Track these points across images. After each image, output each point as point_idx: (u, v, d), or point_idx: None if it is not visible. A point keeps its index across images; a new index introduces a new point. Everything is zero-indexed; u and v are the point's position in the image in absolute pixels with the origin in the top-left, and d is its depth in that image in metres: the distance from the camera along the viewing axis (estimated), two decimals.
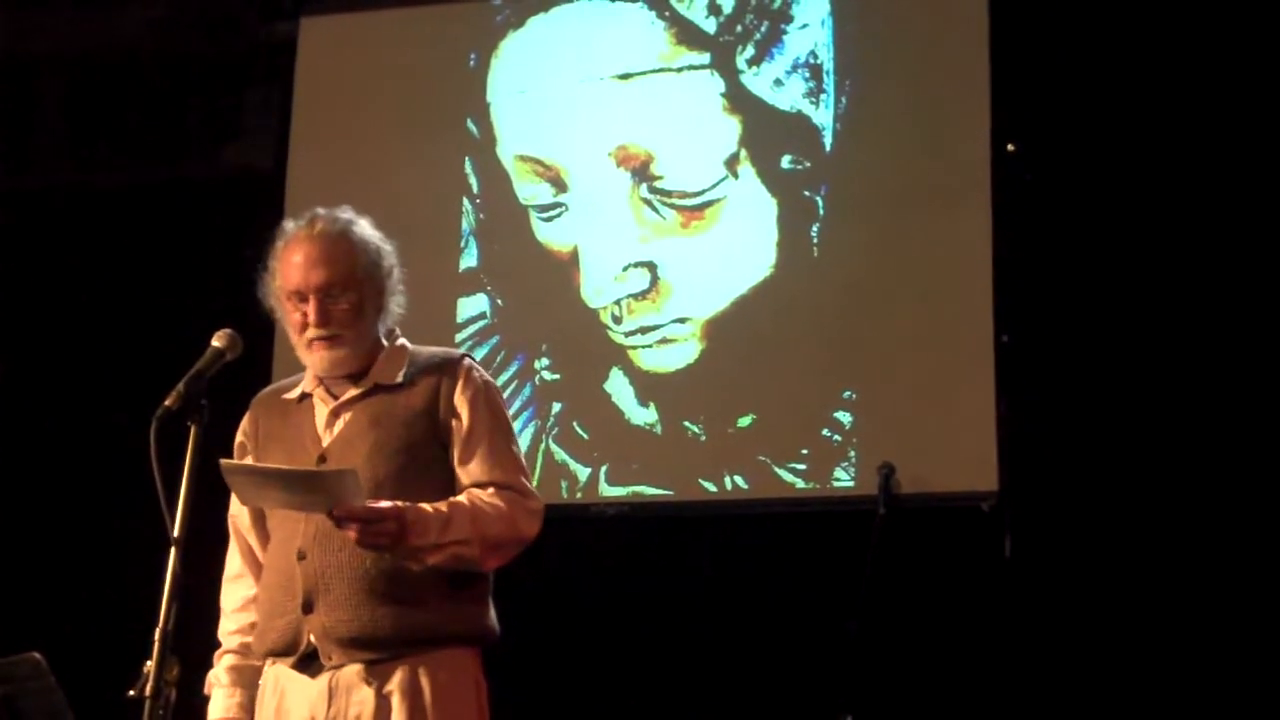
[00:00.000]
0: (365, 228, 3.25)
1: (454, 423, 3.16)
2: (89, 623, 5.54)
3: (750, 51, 5.55)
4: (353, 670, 3.03)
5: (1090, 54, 5.26)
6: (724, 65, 5.56)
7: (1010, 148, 5.27)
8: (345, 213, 3.26)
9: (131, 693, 2.71)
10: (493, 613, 3.19)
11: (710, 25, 5.59)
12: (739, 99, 5.53)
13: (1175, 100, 5.14)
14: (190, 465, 2.83)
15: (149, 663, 2.71)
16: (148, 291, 6.05)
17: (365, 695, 3.02)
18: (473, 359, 3.28)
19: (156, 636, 2.73)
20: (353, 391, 3.19)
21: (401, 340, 3.27)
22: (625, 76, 5.66)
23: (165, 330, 5.53)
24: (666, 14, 5.64)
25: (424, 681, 3.04)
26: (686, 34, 5.62)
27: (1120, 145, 5.19)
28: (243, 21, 6.29)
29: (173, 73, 6.33)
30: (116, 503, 5.33)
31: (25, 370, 6.17)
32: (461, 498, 3.10)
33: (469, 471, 3.14)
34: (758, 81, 5.53)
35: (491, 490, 3.11)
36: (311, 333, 3.15)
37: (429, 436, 3.15)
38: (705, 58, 5.59)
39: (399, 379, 3.19)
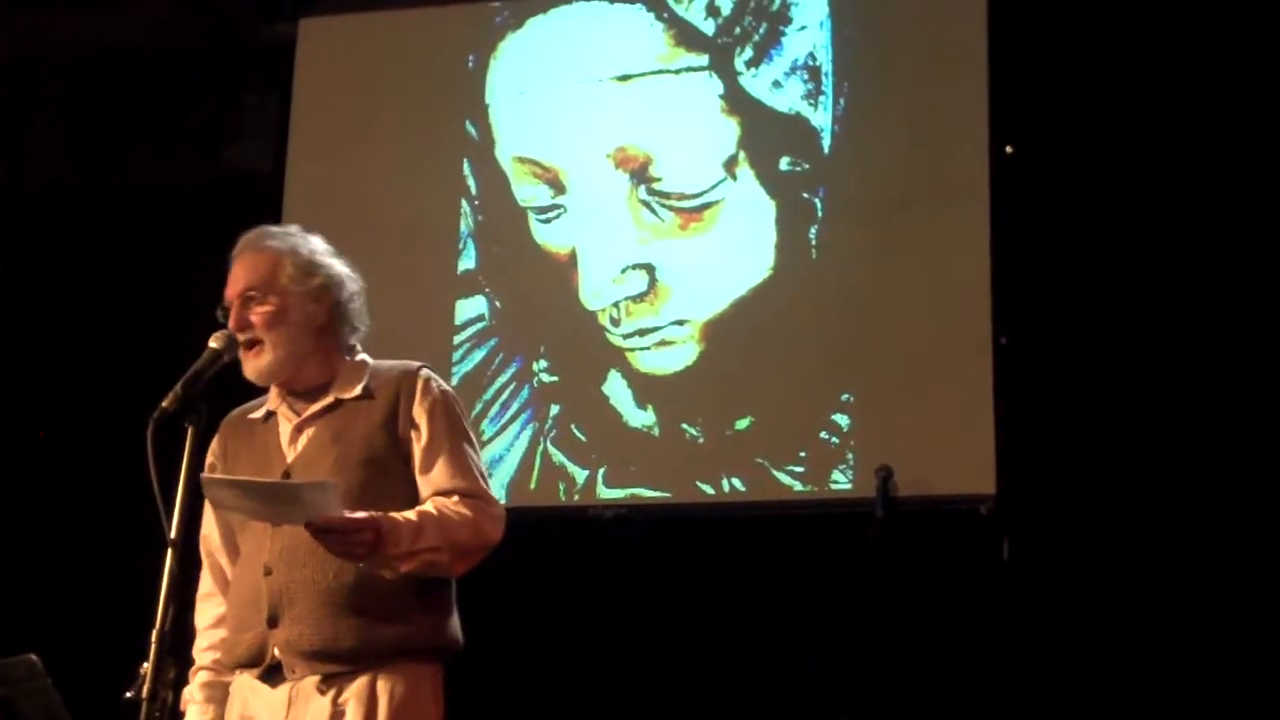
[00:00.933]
0: (305, 240, 3.29)
1: (413, 434, 3.19)
2: (86, 624, 5.53)
3: (749, 53, 5.55)
4: (312, 681, 3.06)
5: (1088, 56, 5.27)
6: (722, 67, 5.56)
7: (1008, 150, 5.27)
8: (287, 228, 3.33)
9: (128, 694, 2.71)
10: (456, 623, 3.21)
11: (709, 27, 5.59)
12: (737, 101, 5.53)
13: (1173, 103, 5.15)
14: (187, 467, 2.83)
15: (146, 664, 2.71)
16: (146, 292, 6.05)
17: (321, 705, 3.04)
18: (430, 370, 3.29)
19: (153, 638, 2.73)
20: (314, 407, 3.22)
21: (362, 356, 3.29)
22: (624, 78, 5.66)
23: (163, 331, 5.53)
24: (665, 15, 5.64)
25: (380, 693, 3.06)
26: (685, 36, 5.62)
27: (1118, 148, 5.19)
28: (241, 23, 6.29)
29: (172, 73, 6.33)
30: (113, 504, 5.33)
31: (23, 370, 6.16)
32: (428, 506, 3.12)
33: (431, 480, 3.16)
34: (756, 83, 5.53)
35: (455, 498, 3.13)
36: (238, 338, 3.17)
37: (390, 449, 3.18)
38: (704, 59, 5.59)
39: (358, 392, 3.21)
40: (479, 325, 5.63)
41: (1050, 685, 4.90)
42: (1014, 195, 5.23)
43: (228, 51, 6.31)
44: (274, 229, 3.31)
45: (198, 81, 6.32)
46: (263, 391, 3.30)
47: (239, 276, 3.22)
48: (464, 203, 5.74)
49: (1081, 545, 4.98)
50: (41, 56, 6.46)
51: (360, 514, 2.98)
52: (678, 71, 5.62)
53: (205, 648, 3.25)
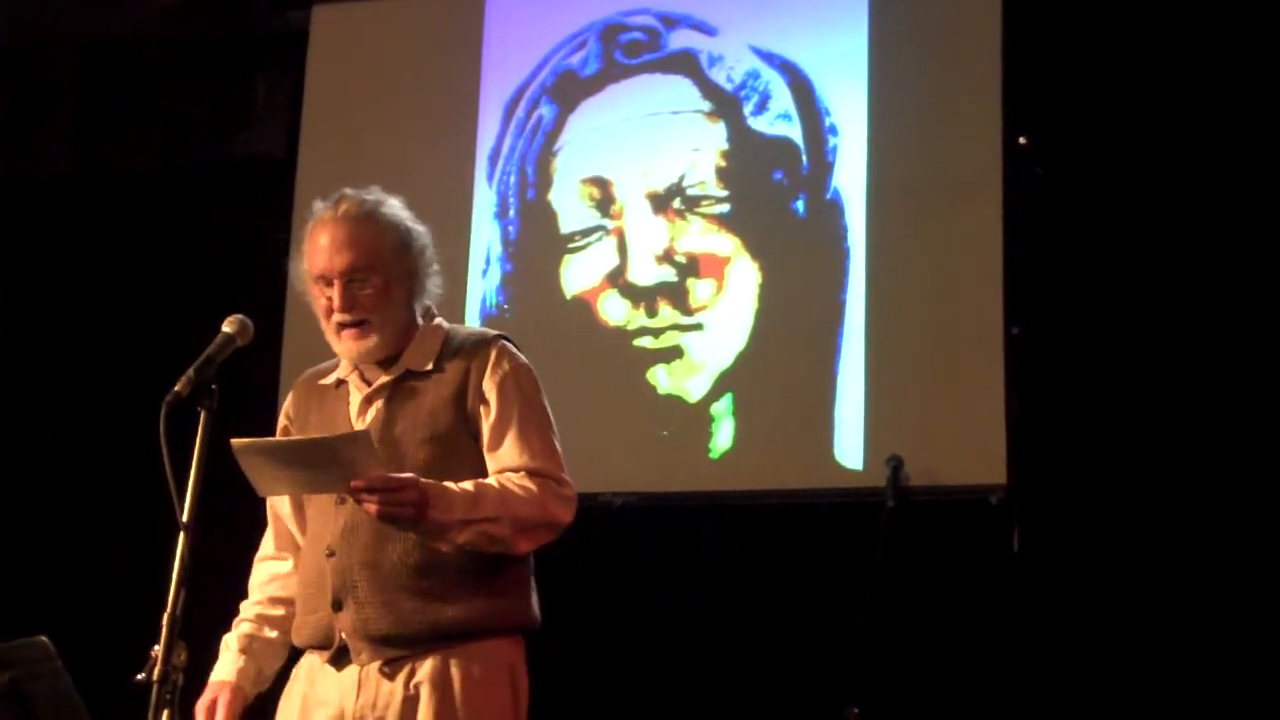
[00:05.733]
0: (395, 208, 3.19)
1: (482, 409, 3.09)
2: (97, 607, 5.55)
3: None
4: (379, 664, 3.01)
5: (1102, 47, 5.26)
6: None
7: (1022, 141, 5.26)
8: (373, 193, 3.19)
9: (139, 677, 2.71)
10: (533, 600, 3.14)
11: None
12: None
13: (1186, 94, 5.14)
14: (200, 450, 2.82)
15: (156, 647, 2.71)
16: (158, 278, 6.06)
17: (393, 688, 2.99)
18: (507, 340, 3.19)
19: (164, 621, 2.72)
20: (384, 378, 3.14)
21: (438, 321, 3.21)
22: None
23: (175, 316, 5.54)
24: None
25: (454, 674, 3.00)
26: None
27: (1132, 139, 5.18)
28: (254, 9, 6.30)
29: (184, 60, 6.34)
30: (125, 487, 5.34)
31: (35, 356, 6.18)
32: (490, 479, 3.04)
33: (498, 458, 3.07)
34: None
35: (522, 474, 3.04)
36: (338, 318, 3.09)
37: (458, 424, 3.09)
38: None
39: (429, 365, 3.13)
40: (492, 312, 5.64)
41: (1060, 676, 4.89)
42: (1027, 186, 5.23)
43: (240, 37, 6.32)
44: (366, 195, 3.17)
45: (210, 68, 6.33)
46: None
47: (343, 251, 3.09)
48: (476, 190, 5.74)
49: (1092, 536, 4.97)
50: (52, 44, 6.47)
51: (403, 474, 2.91)
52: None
53: (254, 602, 3.21)
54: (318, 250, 3.12)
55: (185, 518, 2.77)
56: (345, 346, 3.13)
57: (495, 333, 3.22)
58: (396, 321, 3.13)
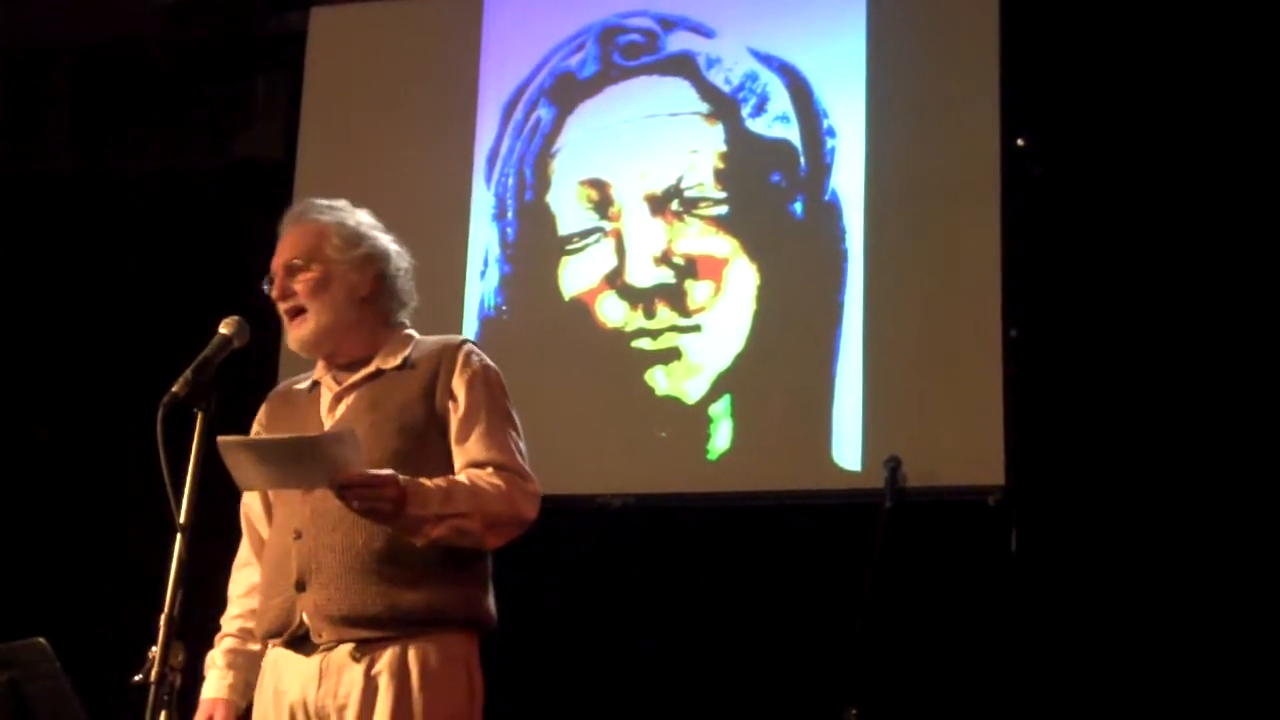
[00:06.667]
0: (352, 214, 3.30)
1: (451, 405, 3.16)
2: (95, 608, 5.55)
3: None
4: (343, 650, 3.04)
5: (1100, 48, 5.26)
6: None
7: (1020, 142, 5.27)
8: (335, 201, 3.32)
9: (137, 678, 2.72)
10: (491, 598, 3.19)
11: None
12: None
13: (1184, 95, 5.14)
14: (197, 452, 2.83)
15: (154, 648, 2.71)
16: (157, 279, 6.06)
17: (354, 675, 3.03)
18: (474, 344, 3.28)
19: (162, 622, 2.73)
20: (354, 377, 3.22)
21: (409, 330, 3.29)
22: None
23: (172, 318, 5.54)
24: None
25: (413, 663, 3.04)
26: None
27: (1129, 140, 5.18)
28: (252, 11, 6.31)
29: (182, 61, 6.34)
30: (123, 489, 5.34)
31: (34, 357, 6.18)
32: (460, 476, 3.10)
33: (466, 451, 3.14)
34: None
35: (490, 470, 3.11)
36: (280, 307, 3.21)
37: (427, 421, 3.16)
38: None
39: (398, 362, 3.21)
40: (490, 313, 5.64)
41: (1057, 677, 4.90)
42: (1025, 188, 5.23)
43: (238, 39, 6.32)
44: (322, 201, 3.30)
45: (209, 70, 6.33)
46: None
47: (284, 247, 3.23)
48: (475, 192, 5.74)
49: (1089, 537, 4.98)
50: (52, 45, 6.47)
51: (384, 471, 2.96)
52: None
53: (234, 615, 3.26)
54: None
55: (182, 519, 2.78)
56: (290, 336, 3.23)
57: (462, 337, 3.32)
58: (336, 313, 3.20)
